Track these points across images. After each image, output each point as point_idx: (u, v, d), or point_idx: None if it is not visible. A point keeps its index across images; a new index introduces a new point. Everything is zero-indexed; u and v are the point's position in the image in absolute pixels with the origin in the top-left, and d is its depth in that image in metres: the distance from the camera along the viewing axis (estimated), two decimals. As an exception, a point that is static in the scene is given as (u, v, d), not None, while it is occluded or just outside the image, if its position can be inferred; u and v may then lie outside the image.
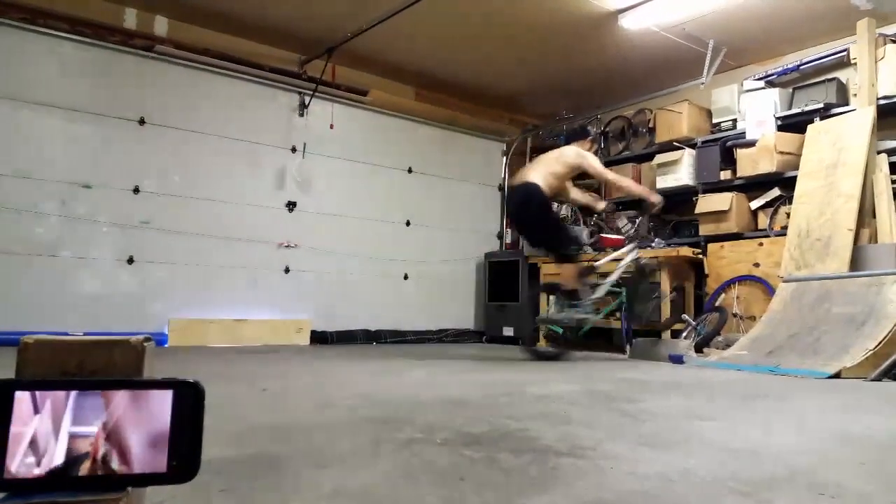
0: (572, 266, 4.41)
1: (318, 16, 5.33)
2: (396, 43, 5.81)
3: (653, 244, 5.37)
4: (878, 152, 4.63)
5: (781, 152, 5.13)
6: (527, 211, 4.40)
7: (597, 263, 4.74)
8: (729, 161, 5.62)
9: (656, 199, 4.61)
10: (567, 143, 4.80)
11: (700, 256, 5.48)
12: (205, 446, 0.66)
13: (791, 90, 5.42)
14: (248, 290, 5.68)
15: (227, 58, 5.61)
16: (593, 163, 4.50)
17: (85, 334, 0.71)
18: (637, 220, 5.00)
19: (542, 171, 4.38)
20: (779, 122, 5.31)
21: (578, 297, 4.40)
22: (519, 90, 7.04)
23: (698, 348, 4.58)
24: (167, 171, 5.35)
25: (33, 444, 0.62)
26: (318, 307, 6.03)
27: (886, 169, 4.54)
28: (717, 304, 5.22)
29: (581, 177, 7.15)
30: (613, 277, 4.64)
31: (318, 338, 5.86)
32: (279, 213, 5.94)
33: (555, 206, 4.88)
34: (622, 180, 4.67)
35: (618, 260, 4.71)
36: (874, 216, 4.52)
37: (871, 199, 4.54)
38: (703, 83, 5.58)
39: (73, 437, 0.63)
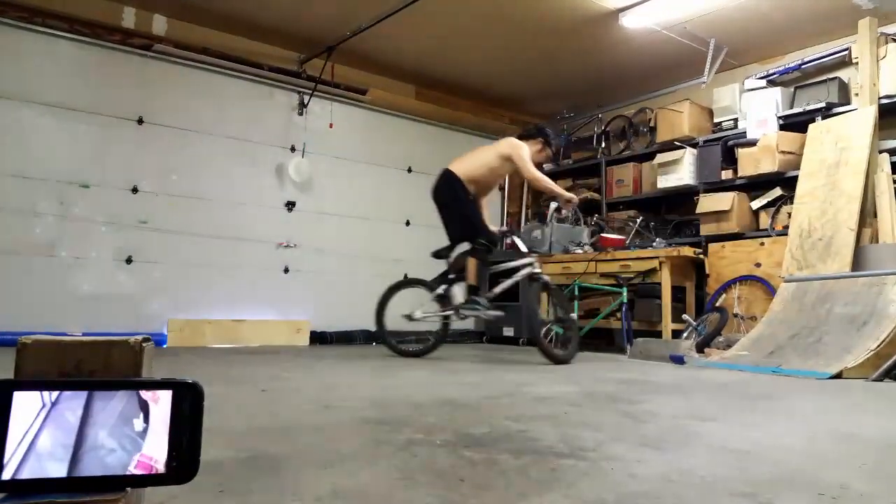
0: (475, 263, 4.25)
1: (318, 15, 5.33)
2: (396, 42, 5.81)
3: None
4: (880, 152, 4.63)
5: (783, 152, 5.13)
6: (439, 195, 4.42)
7: (495, 269, 4.52)
8: (730, 160, 5.62)
9: (567, 196, 4.49)
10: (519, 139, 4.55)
11: (701, 256, 5.47)
12: (204, 446, 0.66)
13: (793, 89, 5.42)
14: (247, 291, 5.67)
15: (226, 57, 5.60)
16: (523, 154, 4.29)
17: (83, 334, 0.70)
18: (549, 223, 4.85)
19: (469, 161, 4.40)
20: (780, 122, 5.30)
21: (477, 293, 4.27)
22: (519, 89, 7.03)
23: (699, 348, 4.58)
24: (166, 171, 5.35)
25: (32, 444, 0.61)
26: (317, 307, 6.02)
27: (888, 168, 4.54)
28: (717, 304, 5.22)
29: (582, 176, 7.17)
30: (507, 284, 4.42)
31: (318, 338, 5.85)
32: (278, 212, 5.93)
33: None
34: (542, 180, 4.42)
35: (517, 269, 4.42)
36: (876, 216, 4.51)
37: (873, 199, 4.54)
38: (704, 82, 5.58)
39: (71, 437, 0.62)
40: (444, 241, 7.43)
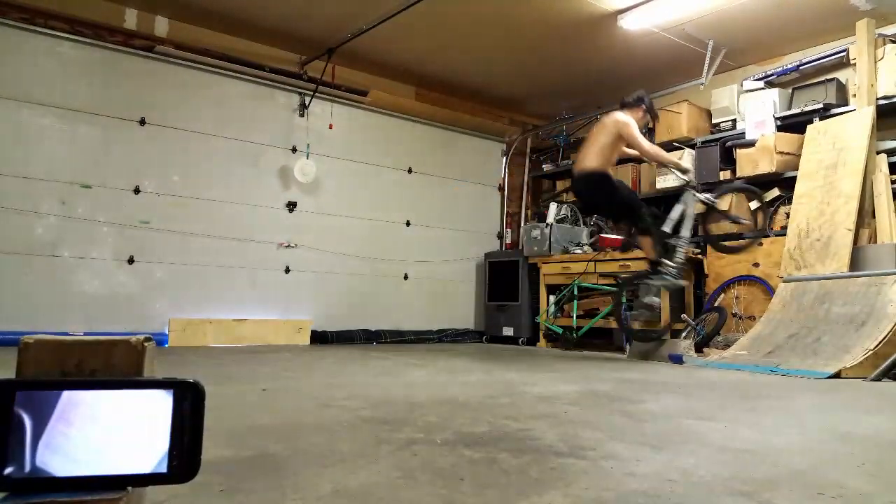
0: (649, 238, 4.49)
1: (318, 16, 5.33)
2: (396, 43, 5.81)
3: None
4: (878, 152, 4.63)
5: (781, 152, 5.13)
6: (593, 198, 4.64)
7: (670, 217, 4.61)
8: (728, 161, 5.62)
9: (683, 167, 4.67)
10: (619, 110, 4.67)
11: (700, 256, 5.48)
12: (205, 446, 0.66)
13: (791, 90, 5.42)
14: (248, 290, 5.68)
15: (227, 58, 5.61)
16: (632, 131, 4.41)
17: (85, 334, 0.71)
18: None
19: (593, 151, 4.46)
20: (778, 123, 5.30)
21: (661, 266, 4.46)
22: (519, 90, 7.04)
23: (698, 348, 4.59)
24: (167, 172, 5.35)
25: (33, 443, 0.62)
26: (318, 307, 6.03)
27: (886, 169, 4.54)
28: (716, 303, 5.22)
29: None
30: (676, 213, 4.52)
31: (318, 338, 5.86)
32: (279, 213, 5.94)
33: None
34: (653, 152, 4.59)
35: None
36: (874, 216, 4.52)
37: (871, 200, 4.54)
38: (702, 83, 5.58)
39: (72, 436, 0.63)
40: (446, 244, 7.45)
